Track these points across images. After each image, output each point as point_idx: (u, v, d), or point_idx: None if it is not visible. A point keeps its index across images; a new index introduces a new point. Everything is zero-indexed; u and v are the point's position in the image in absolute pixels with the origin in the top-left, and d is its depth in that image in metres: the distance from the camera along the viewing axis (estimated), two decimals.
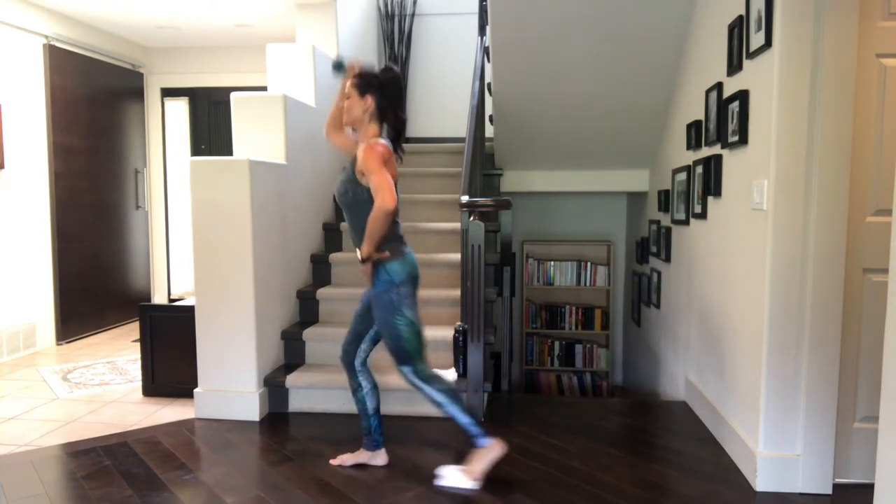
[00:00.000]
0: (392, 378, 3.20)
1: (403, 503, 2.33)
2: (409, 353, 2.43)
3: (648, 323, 4.53)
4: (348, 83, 2.45)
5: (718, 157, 2.92)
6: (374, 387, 2.62)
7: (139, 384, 3.82)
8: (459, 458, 2.72)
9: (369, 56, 5.51)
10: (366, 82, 2.42)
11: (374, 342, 2.61)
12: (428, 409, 3.20)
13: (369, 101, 2.42)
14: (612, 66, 3.63)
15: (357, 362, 2.60)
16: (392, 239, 2.43)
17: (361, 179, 2.38)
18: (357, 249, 2.46)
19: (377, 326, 2.48)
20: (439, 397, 2.44)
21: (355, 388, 2.60)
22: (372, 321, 2.57)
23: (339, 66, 2.51)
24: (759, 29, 2.43)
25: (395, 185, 2.43)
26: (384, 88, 2.43)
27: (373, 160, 2.32)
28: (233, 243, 3.13)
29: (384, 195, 2.28)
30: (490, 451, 2.45)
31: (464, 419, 2.43)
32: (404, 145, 5.08)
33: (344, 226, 4.19)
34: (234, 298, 3.15)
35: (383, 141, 2.42)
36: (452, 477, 2.47)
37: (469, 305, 3.04)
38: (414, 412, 3.21)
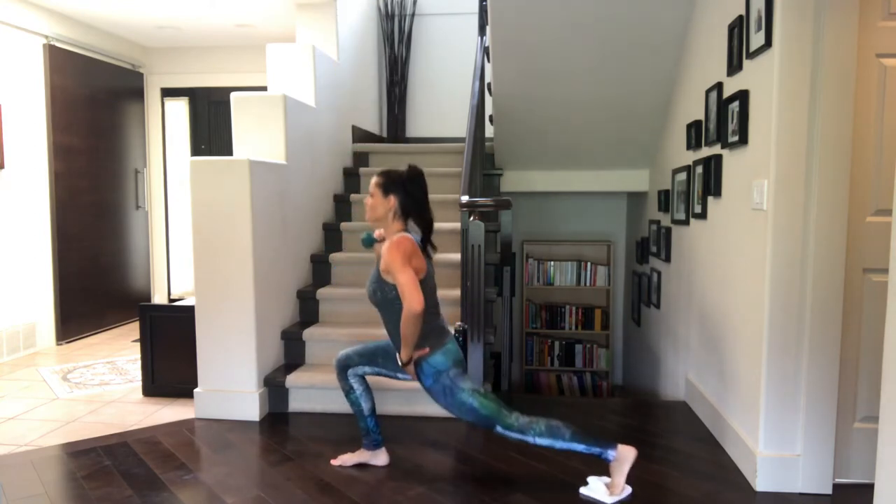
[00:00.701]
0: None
1: (403, 503, 2.33)
2: (491, 417, 2.35)
3: (648, 323, 4.53)
4: (372, 182, 2.43)
5: (718, 157, 2.92)
6: (367, 388, 2.61)
7: (139, 384, 3.82)
8: (460, 457, 2.72)
9: (369, 56, 5.52)
10: (389, 182, 2.40)
11: (378, 375, 2.60)
12: (428, 409, 3.20)
13: (392, 200, 2.40)
14: (612, 65, 3.63)
15: (351, 371, 2.59)
16: (429, 333, 2.37)
17: (387, 278, 2.35)
18: (397, 353, 2.42)
19: (448, 411, 2.41)
20: (543, 441, 2.33)
21: (348, 391, 2.59)
22: (392, 367, 2.55)
23: (369, 241, 2.56)
24: (759, 29, 2.43)
25: (428, 278, 2.39)
26: (407, 187, 2.40)
27: (396, 258, 2.27)
28: (233, 243, 3.13)
29: (410, 299, 2.22)
30: (622, 461, 2.33)
31: (578, 447, 2.31)
32: (405, 145, 5.10)
33: (344, 225, 4.19)
34: (234, 298, 3.15)
35: (408, 234, 2.37)
36: (595, 488, 2.38)
37: (469, 305, 3.04)
38: (414, 412, 3.21)
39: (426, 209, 2.45)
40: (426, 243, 2.46)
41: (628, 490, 2.37)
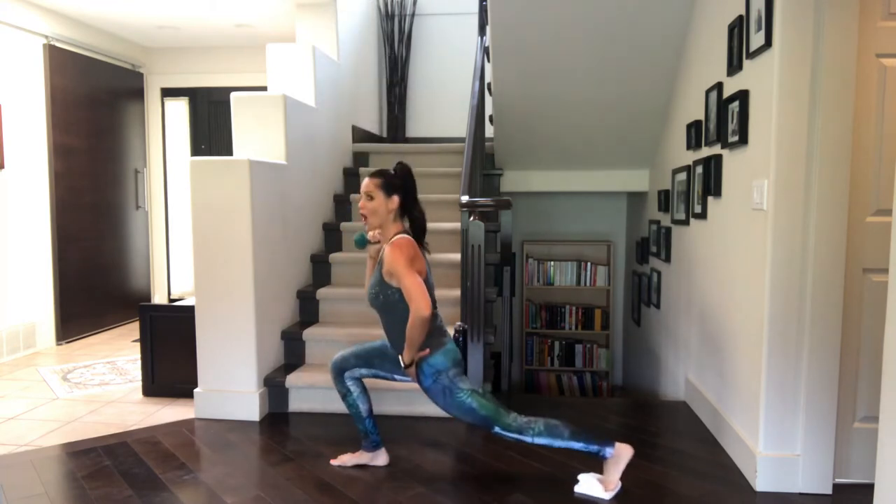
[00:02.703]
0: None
1: (403, 503, 2.33)
2: (489, 417, 2.35)
3: (648, 323, 4.53)
4: (369, 184, 2.38)
5: (718, 157, 2.92)
6: (364, 389, 2.60)
7: (139, 384, 3.82)
8: (460, 457, 2.72)
9: (369, 56, 5.52)
10: (389, 183, 2.38)
11: (376, 377, 2.59)
12: (427, 409, 3.20)
13: (396, 200, 2.38)
14: (612, 66, 3.63)
15: (347, 374, 2.57)
16: (429, 334, 2.36)
17: (390, 281, 2.33)
18: (399, 356, 2.40)
19: (446, 411, 2.41)
20: (541, 440, 2.34)
21: (345, 394, 2.58)
22: (389, 368, 2.55)
23: (362, 242, 2.48)
24: (759, 29, 2.43)
25: (428, 278, 2.38)
26: (405, 185, 2.41)
27: (400, 262, 2.26)
28: (233, 243, 3.13)
29: (419, 303, 2.21)
30: (619, 458, 2.35)
31: (577, 446, 2.32)
32: (405, 145, 5.10)
33: (344, 226, 4.19)
34: (234, 298, 3.15)
35: (408, 236, 2.38)
36: (589, 485, 2.39)
37: (469, 305, 3.04)
38: (413, 412, 3.21)
39: (418, 205, 2.46)
40: (421, 241, 2.45)
41: (619, 486, 2.38)
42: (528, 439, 2.34)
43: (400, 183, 2.40)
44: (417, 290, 2.23)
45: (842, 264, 2.31)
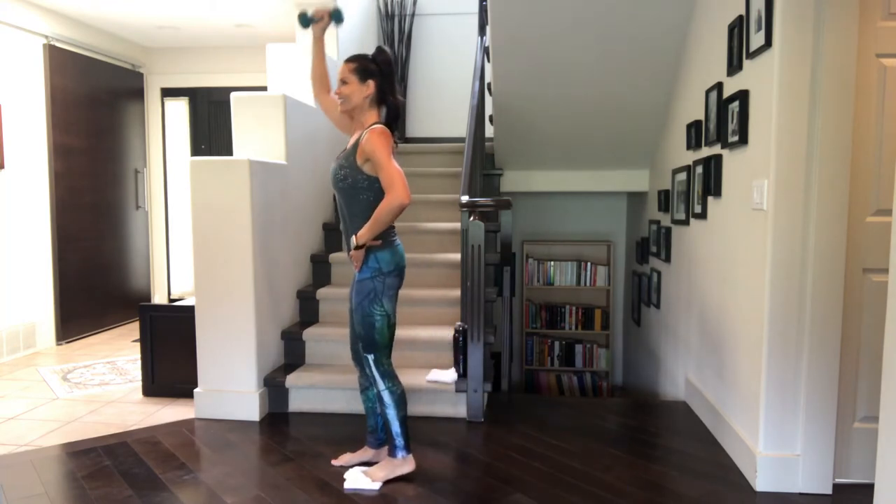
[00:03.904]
0: None
1: (403, 503, 2.33)
2: (378, 344, 2.42)
3: (648, 323, 4.53)
4: (344, 69, 2.39)
5: (718, 157, 2.92)
6: None
7: (139, 384, 3.82)
8: (460, 457, 2.72)
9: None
10: (364, 68, 2.38)
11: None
12: (427, 409, 3.20)
13: (371, 86, 2.38)
14: (612, 65, 3.64)
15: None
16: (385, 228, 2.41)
17: (363, 166, 2.34)
18: (353, 236, 2.39)
19: (353, 310, 2.44)
20: (387, 397, 2.44)
21: (367, 387, 2.60)
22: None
23: (306, 20, 2.43)
24: (759, 29, 2.43)
25: None
26: (383, 71, 2.40)
27: (383, 150, 2.28)
28: (233, 243, 3.13)
29: (398, 190, 2.25)
30: (401, 465, 2.49)
31: (396, 428, 2.45)
32: (405, 145, 5.09)
33: None
34: (234, 298, 3.15)
35: (383, 126, 2.38)
36: (356, 479, 2.47)
37: (469, 305, 3.05)
38: (413, 412, 3.21)
39: (396, 92, 2.44)
40: (393, 129, 2.44)
41: (379, 485, 2.45)
42: (382, 386, 2.43)
43: (376, 69, 2.39)
44: (400, 179, 2.26)
45: (842, 264, 2.31)
